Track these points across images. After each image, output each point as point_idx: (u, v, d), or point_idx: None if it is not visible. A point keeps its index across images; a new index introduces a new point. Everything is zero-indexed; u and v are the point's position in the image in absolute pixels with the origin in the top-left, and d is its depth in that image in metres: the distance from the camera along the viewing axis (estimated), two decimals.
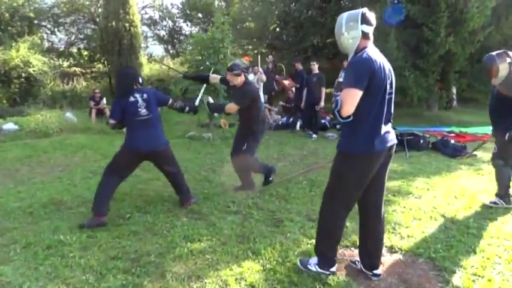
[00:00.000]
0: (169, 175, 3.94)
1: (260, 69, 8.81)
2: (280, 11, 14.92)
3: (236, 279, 2.61)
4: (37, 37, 14.87)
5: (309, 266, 2.62)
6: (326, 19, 13.65)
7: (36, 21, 17.02)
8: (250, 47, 16.60)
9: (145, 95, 3.69)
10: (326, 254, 2.61)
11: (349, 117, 2.28)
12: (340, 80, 8.37)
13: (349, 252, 3.00)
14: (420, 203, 4.00)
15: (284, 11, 14.97)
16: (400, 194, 4.28)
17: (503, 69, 3.49)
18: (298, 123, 8.76)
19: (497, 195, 3.94)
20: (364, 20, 2.34)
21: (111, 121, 3.77)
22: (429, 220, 3.57)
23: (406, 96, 9.83)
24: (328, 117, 9.34)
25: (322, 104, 8.10)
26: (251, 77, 8.87)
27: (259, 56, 9.19)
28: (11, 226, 3.55)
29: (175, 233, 3.32)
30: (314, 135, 7.92)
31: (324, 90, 8.07)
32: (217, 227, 3.45)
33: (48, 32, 18.13)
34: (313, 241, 3.06)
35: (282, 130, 8.80)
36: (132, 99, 3.64)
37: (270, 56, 11.38)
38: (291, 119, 9.02)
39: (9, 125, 7.63)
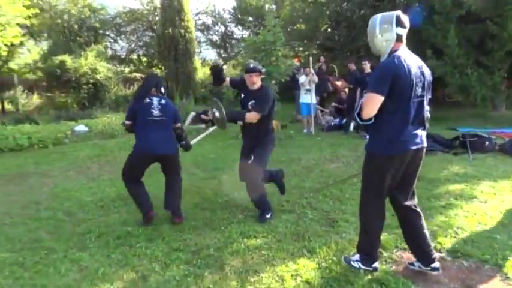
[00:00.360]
0: (171, 181, 3.84)
1: (312, 71, 8.78)
2: (331, 11, 14.74)
3: (292, 276, 2.67)
4: (102, 46, 16.08)
5: (352, 263, 2.67)
6: None
7: (101, 31, 18.40)
8: (301, 48, 16.58)
9: (163, 101, 3.66)
10: (366, 251, 2.64)
11: (370, 119, 2.36)
12: None
13: (407, 255, 2.93)
14: (486, 208, 3.78)
15: (335, 11, 14.77)
16: (462, 198, 4.08)
17: None
18: (352, 125, 8.61)
19: None
20: (399, 23, 2.35)
21: (126, 123, 3.71)
22: (496, 226, 3.37)
23: (469, 95, 9.25)
24: None
25: None
26: (303, 78, 8.88)
27: (310, 57, 9.16)
28: (85, 217, 3.91)
29: (232, 229, 3.46)
30: (367, 136, 7.74)
31: None
32: (272, 225, 3.54)
33: (112, 40, 19.51)
34: None
35: (334, 131, 8.71)
36: (147, 100, 3.60)
37: (322, 57, 11.30)
38: (344, 120, 8.89)
39: (81, 127, 8.36)
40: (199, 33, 20.21)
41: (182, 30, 14.17)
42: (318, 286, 2.53)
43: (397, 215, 2.68)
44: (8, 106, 13.66)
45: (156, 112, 3.58)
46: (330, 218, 3.67)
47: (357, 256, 2.69)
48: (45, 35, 17.54)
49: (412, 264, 2.71)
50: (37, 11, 12.35)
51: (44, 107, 12.60)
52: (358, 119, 2.40)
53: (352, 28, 13.91)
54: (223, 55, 21.43)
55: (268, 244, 3.16)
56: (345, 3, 14.65)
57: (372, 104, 2.31)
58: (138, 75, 16.07)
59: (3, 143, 7.43)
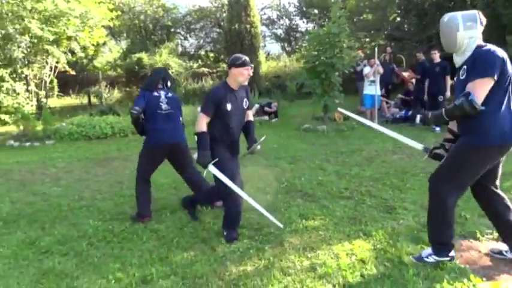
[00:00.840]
0: (190, 175, 3.92)
1: (377, 61, 8.60)
2: None
3: (347, 254, 2.82)
4: (174, 43, 17.15)
5: (426, 260, 2.59)
6: (455, 3, 12.43)
7: (172, 29, 19.58)
8: (367, 39, 16.12)
9: (169, 94, 3.74)
10: (442, 240, 2.58)
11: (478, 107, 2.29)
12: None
13: (466, 243, 2.92)
14: None
15: None
16: None
17: None
18: (418, 117, 8.29)
19: None
20: (481, 21, 2.42)
21: (136, 108, 3.60)
22: None
23: None
24: None
25: (448, 93, 7.56)
26: (367, 69, 8.75)
27: (376, 48, 8.97)
28: (161, 196, 4.41)
29: (291, 211, 3.68)
30: (437, 128, 7.44)
31: (448, 79, 7.53)
32: (330, 209, 3.70)
33: (182, 37, 20.66)
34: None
35: (400, 123, 8.47)
36: (155, 94, 3.67)
37: (388, 48, 10.95)
38: (410, 112, 8.61)
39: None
40: (264, 28, 20.54)
41: (248, 26, 14.59)
42: (372, 265, 2.66)
43: (482, 202, 2.67)
44: (93, 100, 15.27)
45: (164, 106, 3.64)
46: (389, 206, 3.72)
47: (428, 250, 2.63)
48: (124, 35, 19.17)
49: (499, 253, 2.69)
50: (119, 13, 13.61)
51: (123, 100, 13.91)
52: (471, 107, 2.25)
53: (423, 16, 13.22)
54: (287, 48, 21.58)
55: (325, 226, 3.34)
56: None
57: (483, 88, 2.28)
58: (205, 70, 16.89)
59: (91, 131, 8.43)
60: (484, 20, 2.43)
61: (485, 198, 2.62)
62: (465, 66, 2.43)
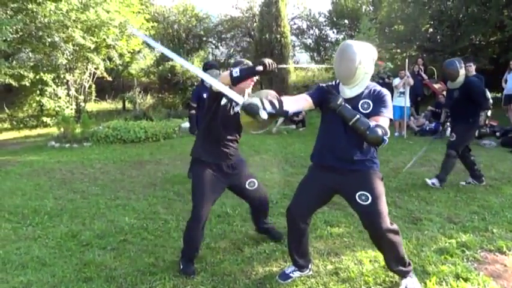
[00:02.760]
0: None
1: (407, 73, 8.57)
2: (434, 10, 13.94)
3: (370, 261, 2.90)
4: (205, 52, 17.64)
5: None
6: (490, 15, 12.16)
7: (204, 38, 20.14)
8: (398, 50, 15.95)
9: None
10: None
11: None
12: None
13: (491, 256, 2.93)
14: None
15: (439, 10, 13.92)
16: None
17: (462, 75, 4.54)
18: (449, 129, 8.18)
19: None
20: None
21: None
22: None
23: None
24: (489, 124, 8.43)
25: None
26: (397, 80, 8.72)
27: (406, 60, 8.93)
28: (191, 199, 4.60)
29: (317, 218, 3.78)
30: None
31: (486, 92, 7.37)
32: (355, 217, 3.74)
33: (213, 46, 21.20)
34: (452, 241, 3.12)
35: (429, 136, 8.37)
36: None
37: (420, 60, 10.85)
38: (440, 125, 8.49)
39: (186, 124, 9.47)
40: (293, 37, 20.74)
41: (278, 36, 14.78)
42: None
43: None
44: (128, 105, 15.92)
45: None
46: (414, 217, 3.76)
47: (407, 279, 2.54)
48: (159, 43, 19.88)
49: None
50: (155, 23, 14.19)
51: (156, 106, 14.42)
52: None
53: (456, 28, 12.99)
54: (316, 58, 21.66)
55: (349, 233, 3.42)
56: (450, 1, 13.75)
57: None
58: None
59: (126, 135, 8.84)
60: (376, 56, 2.41)
61: None
62: (369, 101, 2.37)
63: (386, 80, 9.44)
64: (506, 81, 9.02)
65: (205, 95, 4.95)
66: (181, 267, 2.83)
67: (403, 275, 2.52)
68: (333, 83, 2.57)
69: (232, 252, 3.16)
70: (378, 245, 2.51)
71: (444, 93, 9.01)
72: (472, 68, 7.66)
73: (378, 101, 2.38)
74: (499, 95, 10.67)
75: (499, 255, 2.95)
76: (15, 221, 3.98)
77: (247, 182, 3.05)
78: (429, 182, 4.69)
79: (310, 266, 2.79)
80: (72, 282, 2.72)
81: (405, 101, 8.48)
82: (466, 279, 2.58)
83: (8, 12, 9.59)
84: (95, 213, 4.17)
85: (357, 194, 2.38)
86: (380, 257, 2.93)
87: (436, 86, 9.66)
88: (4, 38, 7.84)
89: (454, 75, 4.60)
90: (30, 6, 9.86)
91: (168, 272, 2.83)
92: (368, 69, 2.35)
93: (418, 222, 3.60)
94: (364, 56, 2.30)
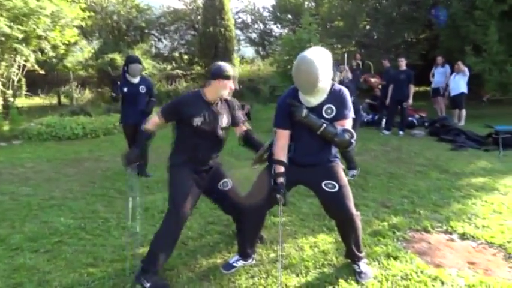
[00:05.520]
0: None
1: (346, 67, 8.97)
2: (370, 8, 14.72)
3: (311, 246, 3.03)
4: (147, 44, 17.04)
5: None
6: (420, 14, 13.12)
7: (146, 31, 19.44)
8: (338, 45, 16.63)
9: None
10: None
11: None
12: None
13: (419, 235, 3.19)
14: (505, 199, 3.92)
15: (374, 8, 14.72)
16: (483, 190, 4.23)
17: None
18: (384, 120, 8.73)
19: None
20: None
21: None
22: (511, 214, 3.53)
23: (508, 92, 9.05)
24: (416, 115, 9.11)
25: (410, 101, 7.99)
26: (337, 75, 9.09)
27: (345, 55, 9.35)
28: (133, 195, 4.47)
29: None
30: (401, 132, 7.87)
31: (412, 87, 7.97)
32: (297, 206, 3.90)
33: (156, 39, 20.54)
34: (385, 223, 3.35)
35: (366, 127, 8.85)
36: None
37: (358, 55, 11.40)
38: (377, 116, 9.02)
39: None
40: (238, 32, 20.75)
41: (222, 29, 14.75)
42: (332, 255, 2.87)
43: None
44: (63, 100, 14.93)
45: None
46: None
47: (360, 263, 2.68)
48: (97, 34, 18.84)
49: None
50: (92, 13, 13.40)
51: (95, 101, 13.69)
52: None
53: (390, 25, 13.83)
54: (261, 52, 21.88)
55: (292, 222, 3.54)
56: (384, 0, 14.58)
57: None
58: (179, 72, 16.87)
59: (61, 132, 8.30)
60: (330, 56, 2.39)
61: None
62: (332, 106, 2.41)
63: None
64: (433, 75, 9.80)
65: (125, 89, 5.00)
66: (149, 285, 2.46)
67: (359, 259, 2.65)
68: (292, 90, 2.54)
69: (176, 246, 3.11)
70: (345, 230, 2.59)
71: (380, 86, 9.59)
72: (403, 63, 8.26)
73: (340, 104, 2.42)
74: (428, 88, 11.58)
75: (424, 234, 3.22)
76: None
77: (221, 182, 2.88)
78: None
79: (254, 255, 2.85)
80: None
81: None
82: (395, 258, 2.79)
83: None
84: (26, 215, 3.88)
85: (323, 183, 2.47)
86: (319, 242, 3.08)
87: (373, 80, 10.22)
88: None
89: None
90: None
91: (108, 271, 2.73)
92: (329, 76, 2.35)
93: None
94: (324, 67, 2.27)
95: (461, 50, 9.69)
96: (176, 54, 20.48)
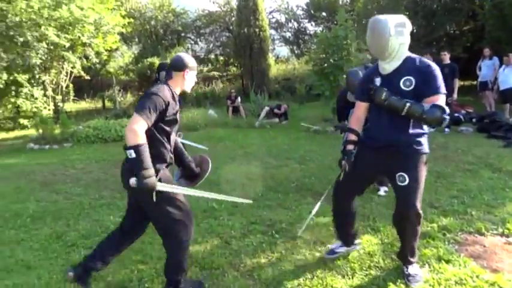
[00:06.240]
0: None
1: None
2: (408, 1, 14.19)
3: None
4: (184, 47, 17.45)
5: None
6: (463, 4, 12.48)
7: (183, 34, 19.91)
8: None
9: None
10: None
11: None
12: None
13: (471, 238, 3.04)
14: None
15: (413, 1, 14.17)
16: None
17: None
18: None
19: None
20: (410, 28, 2.35)
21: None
22: None
23: None
24: (463, 111, 8.69)
25: (455, 96, 7.63)
26: None
27: None
28: None
29: (302, 209, 3.84)
30: (446, 129, 7.53)
31: (457, 82, 7.61)
32: None
33: (192, 42, 20.99)
34: (434, 225, 3.23)
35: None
36: None
37: None
38: None
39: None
40: (272, 31, 20.75)
41: (257, 29, 14.81)
42: (379, 257, 2.80)
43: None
44: (107, 103, 15.63)
45: None
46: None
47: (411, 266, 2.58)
48: (136, 40, 19.55)
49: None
50: (131, 20, 13.93)
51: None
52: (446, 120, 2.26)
53: (430, 18, 13.26)
54: (296, 51, 21.74)
55: None
56: None
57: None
58: (215, 73, 17.14)
59: (107, 134, 8.70)
60: (411, 27, 2.34)
61: None
62: (411, 78, 2.32)
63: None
64: (480, 68, 9.30)
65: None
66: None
67: (410, 263, 2.55)
68: (375, 64, 2.54)
69: (220, 246, 3.18)
70: (402, 229, 2.50)
71: None
72: (447, 57, 7.90)
73: (426, 79, 2.30)
74: (474, 82, 10.99)
75: (478, 236, 3.07)
76: None
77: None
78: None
79: (357, 242, 2.93)
80: (59, 284, 2.68)
81: None
82: (447, 261, 2.67)
83: None
84: (79, 213, 4.11)
85: (397, 175, 2.39)
86: (365, 243, 3.02)
87: None
88: None
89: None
90: (0, 4, 9.54)
91: (157, 268, 2.83)
92: (403, 40, 2.29)
93: None
94: (395, 26, 2.25)
95: (509, 41, 9.12)
96: (212, 56, 20.81)
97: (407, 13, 14.64)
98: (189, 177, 2.96)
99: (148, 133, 2.20)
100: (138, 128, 2.11)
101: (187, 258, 2.45)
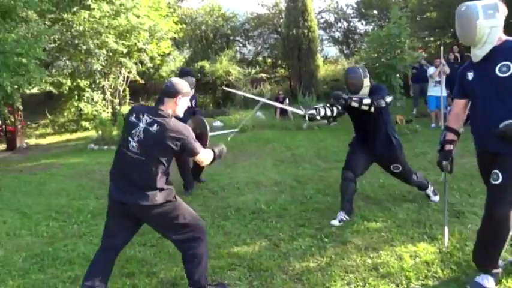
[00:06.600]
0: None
1: (443, 61, 8.23)
2: None
3: (411, 256, 2.82)
4: (233, 50, 17.74)
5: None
6: None
7: (231, 37, 20.25)
8: (431, 38, 15.38)
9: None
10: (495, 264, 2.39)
11: None
12: None
13: None
14: None
15: None
16: None
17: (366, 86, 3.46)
18: None
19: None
20: (503, 10, 2.22)
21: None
22: None
23: None
24: None
25: None
26: (432, 69, 8.40)
27: (441, 47, 8.56)
28: (225, 195, 4.67)
29: (352, 213, 3.72)
30: None
31: None
32: (392, 212, 3.68)
33: (241, 45, 21.27)
34: None
35: (468, 126, 8.00)
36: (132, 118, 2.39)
37: (455, 47, 10.38)
38: None
39: (217, 123, 9.60)
40: (321, 31, 20.43)
41: (305, 30, 14.66)
42: (437, 267, 2.64)
43: None
44: None
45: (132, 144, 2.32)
46: (456, 210, 3.62)
47: (485, 275, 2.36)
48: (187, 44, 20.20)
49: None
50: (183, 25, 14.43)
51: None
52: None
53: None
54: (345, 51, 21.24)
55: (387, 228, 3.34)
56: None
57: None
58: (263, 75, 17.21)
59: None
60: (506, 10, 2.23)
61: None
62: (508, 63, 2.18)
63: (425, 68, 9.05)
64: None
65: None
66: None
67: (485, 272, 2.36)
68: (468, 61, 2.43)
69: (268, 248, 3.17)
70: (485, 231, 2.34)
71: None
72: None
73: None
74: None
75: None
76: (61, 220, 4.19)
77: None
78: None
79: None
80: (116, 277, 2.82)
81: (441, 91, 8.12)
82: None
83: (46, 22, 10.07)
84: None
85: (493, 171, 2.27)
86: (421, 251, 2.85)
87: None
88: (44, 48, 8.23)
89: (356, 85, 3.44)
90: (65, 16, 10.31)
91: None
92: (494, 23, 2.18)
93: (460, 216, 3.46)
94: (484, 9, 2.18)
95: None
96: (260, 58, 20.94)
97: None
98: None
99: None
100: (206, 156, 2.50)
101: None
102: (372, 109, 3.32)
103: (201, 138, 2.67)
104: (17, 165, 7.84)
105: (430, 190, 3.93)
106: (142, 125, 2.28)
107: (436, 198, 3.90)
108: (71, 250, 3.38)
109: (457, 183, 4.37)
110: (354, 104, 3.28)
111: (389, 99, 3.44)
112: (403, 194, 4.15)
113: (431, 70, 8.44)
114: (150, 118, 2.28)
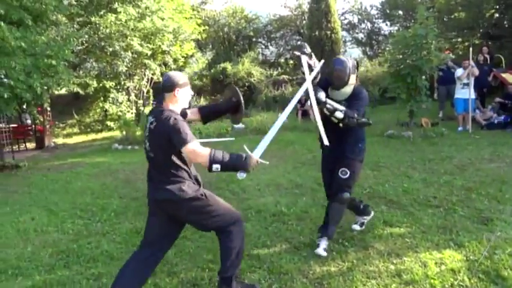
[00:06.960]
0: None
1: (472, 63, 7.97)
2: None
3: (436, 263, 2.74)
4: (255, 52, 17.80)
5: None
6: None
7: (254, 39, 20.31)
8: (459, 39, 14.91)
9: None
10: None
11: None
12: None
13: None
14: None
15: None
16: None
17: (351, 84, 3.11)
18: None
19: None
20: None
21: None
22: None
23: None
24: None
25: None
26: (460, 71, 8.15)
27: (470, 48, 8.31)
28: (246, 197, 4.67)
29: (374, 217, 3.64)
30: None
31: None
32: (416, 217, 3.58)
33: (263, 46, 21.32)
34: None
35: (497, 129, 7.72)
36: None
37: (485, 48, 10.05)
38: (510, 118, 7.80)
39: (239, 125, 9.61)
40: (344, 33, 20.19)
41: (328, 32, 14.53)
42: (464, 275, 2.55)
43: None
44: None
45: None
46: (484, 216, 3.48)
47: None
48: (210, 46, 20.40)
49: None
50: (206, 27, 14.59)
51: None
52: None
53: None
54: (368, 53, 20.91)
55: (411, 233, 3.25)
56: None
57: None
58: (285, 77, 17.17)
59: None
60: None
61: None
62: None
63: (452, 70, 8.79)
64: None
65: None
66: None
67: None
68: None
69: (288, 251, 3.15)
70: None
71: None
72: None
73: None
74: None
75: None
76: (86, 218, 4.30)
77: None
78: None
79: None
80: None
81: (469, 93, 7.90)
82: None
83: (75, 25, 10.40)
84: None
85: None
86: (446, 259, 2.76)
87: (505, 75, 8.90)
88: (72, 50, 8.50)
89: (342, 80, 3.11)
90: (93, 19, 10.61)
91: None
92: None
93: (489, 223, 3.33)
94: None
95: None
96: (282, 60, 20.90)
97: (497, 7, 13.32)
98: (234, 113, 2.97)
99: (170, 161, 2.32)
100: (198, 150, 2.26)
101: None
102: (341, 125, 2.92)
103: (237, 106, 2.80)
104: (45, 164, 8.12)
105: (360, 218, 3.43)
106: (148, 125, 2.41)
107: (325, 243, 3.07)
108: (95, 247, 3.45)
109: (485, 188, 4.21)
110: (326, 112, 2.90)
111: (362, 111, 3.02)
112: (428, 199, 4.03)
113: (459, 72, 8.19)
114: (153, 117, 2.38)
